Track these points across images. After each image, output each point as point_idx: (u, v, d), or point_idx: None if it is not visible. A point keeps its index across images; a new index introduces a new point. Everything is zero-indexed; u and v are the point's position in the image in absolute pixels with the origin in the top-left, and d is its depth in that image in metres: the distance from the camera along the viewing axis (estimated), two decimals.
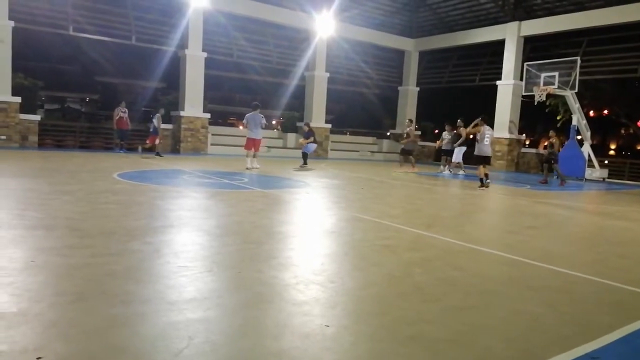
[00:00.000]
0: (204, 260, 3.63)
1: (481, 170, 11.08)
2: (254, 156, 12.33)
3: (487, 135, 11.08)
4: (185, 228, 4.83)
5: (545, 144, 14.07)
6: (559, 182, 13.69)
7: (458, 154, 15.28)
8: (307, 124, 14.60)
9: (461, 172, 15.29)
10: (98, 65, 26.57)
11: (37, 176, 8.24)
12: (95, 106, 36.04)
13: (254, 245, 4.21)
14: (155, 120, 14.40)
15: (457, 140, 15.21)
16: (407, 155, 15.64)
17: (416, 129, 23.71)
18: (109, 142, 16.89)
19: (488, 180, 11.19)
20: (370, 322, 2.63)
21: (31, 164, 10.25)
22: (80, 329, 2.28)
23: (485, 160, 11.13)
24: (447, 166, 15.85)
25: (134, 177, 8.75)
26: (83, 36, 16.36)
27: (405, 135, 15.32)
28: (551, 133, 13.86)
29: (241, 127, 15.44)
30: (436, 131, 25.79)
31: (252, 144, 12.33)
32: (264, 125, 12.67)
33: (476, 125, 11.22)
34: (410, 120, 16.45)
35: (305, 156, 13.82)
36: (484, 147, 11.06)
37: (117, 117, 15.86)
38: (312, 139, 13.77)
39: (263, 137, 13.21)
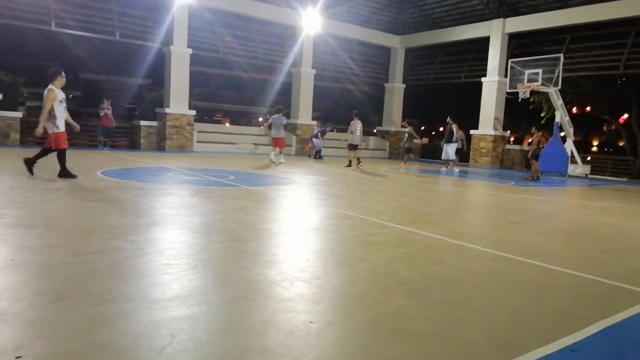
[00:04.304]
0: (189, 258, 3.60)
1: (351, 154, 14.37)
2: (280, 152, 14.11)
3: (358, 128, 14.15)
4: (169, 226, 4.79)
5: (530, 140, 14.22)
6: (530, 176, 13.85)
7: (451, 150, 15.43)
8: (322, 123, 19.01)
9: (456, 169, 15.39)
10: (81, 62, 26.18)
11: (18, 174, 8.10)
12: (79, 103, 35.51)
13: (239, 242, 4.19)
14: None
15: (450, 137, 15.38)
16: (409, 153, 17.22)
17: (402, 126, 23.97)
18: (93, 140, 16.67)
19: (360, 164, 14.03)
20: (355, 318, 2.64)
21: (12, 162, 10.06)
22: (60, 328, 2.24)
23: (354, 148, 14.25)
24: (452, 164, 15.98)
25: (118, 175, 8.65)
26: (66, 32, 16.08)
27: (406, 136, 16.80)
28: (534, 129, 14.04)
29: (262, 127, 19.88)
30: (422, 128, 25.96)
31: (276, 142, 14.11)
32: (283, 126, 14.36)
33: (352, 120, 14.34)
34: (409, 122, 17.13)
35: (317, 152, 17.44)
36: (356, 137, 14.13)
37: (102, 114, 15.67)
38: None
39: (254, 135, 15.63)
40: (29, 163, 7.54)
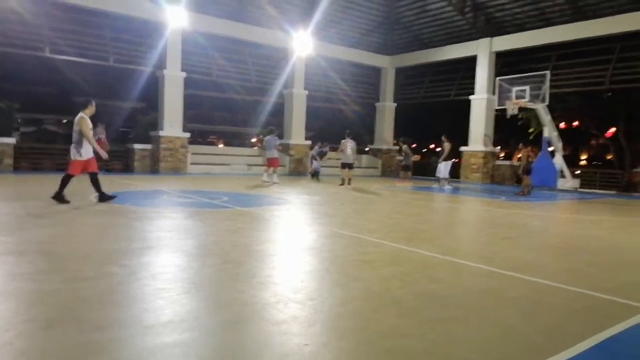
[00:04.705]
0: (182, 282, 3.60)
1: (344, 173, 14.37)
2: (273, 172, 14.18)
3: (348, 147, 14.28)
4: (163, 249, 4.78)
5: (519, 156, 14.35)
6: (521, 191, 13.88)
7: (444, 169, 15.62)
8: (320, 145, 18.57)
9: (447, 186, 15.52)
10: (75, 87, 26.28)
11: (11, 200, 8.07)
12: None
13: (233, 264, 4.19)
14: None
15: (444, 155, 15.64)
16: (407, 170, 17.62)
17: (395, 144, 24.24)
18: None
19: (349, 184, 14.16)
20: (349, 338, 2.64)
21: (5, 188, 10.03)
22: (51, 357, 2.23)
23: (348, 166, 14.34)
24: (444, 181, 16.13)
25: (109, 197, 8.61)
26: (60, 58, 16.22)
27: (403, 154, 17.62)
28: (521, 146, 14.22)
29: (256, 147, 20.74)
30: (414, 145, 26.16)
31: (270, 162, 14.31)
32: (277, 147, 14.68)
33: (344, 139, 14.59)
34: (403, 141, 17.62)
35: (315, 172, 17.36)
36: (347, 156, 14.30)
37: (96, 139, 15.68)
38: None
39: (247, 155, 16.12)
40: (100, 195, 7.95)
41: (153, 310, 2.93)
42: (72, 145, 7.70)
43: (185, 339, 2.51)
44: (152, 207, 7.97)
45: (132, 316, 2.81)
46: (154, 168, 17.03)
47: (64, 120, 36.37)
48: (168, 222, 6.50)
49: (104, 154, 8.03)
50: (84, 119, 7.65)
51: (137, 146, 17.15)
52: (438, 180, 16.01)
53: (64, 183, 7.63)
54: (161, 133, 16.84)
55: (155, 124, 17.55)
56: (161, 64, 17.01)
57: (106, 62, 16.72)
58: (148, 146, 17.27)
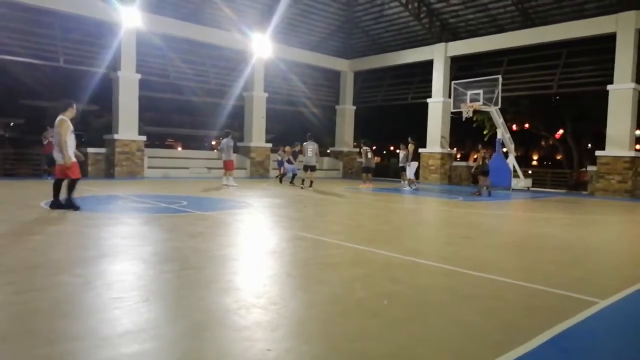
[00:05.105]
0: (140, 290, 3.48)
1: (306, 175, 14.90)
2: (231, 174, 14.44)
3: (309, 149, 14.77)
4: (119, 257, 4.61)
5: (475, 157, 14.82)
6: (486, 192, 14.28)
7: (410, 170, 16.00)
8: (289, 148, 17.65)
9: (407, 187, 15.85)
10: (23, 88, 25.07)
11: None
12: (21, 131, 33.86)
13: (194, 270, 4.09)
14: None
15: (408, 158, 16.03)
16: (367, 172, 17.06)
17: (355, 146, 24.52)
18: (36, 169, 15.87)
19: (310, 187, 14.56)
20: (313, 343, 2.63)
21: None
22: None
23: (310, 168, 14.86)
24: (404, 182, 16.46)
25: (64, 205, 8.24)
26: (6, 58, 15.40)
27: (366, 156, 16.96)
28: (480, 147, 14.70)
29: (216, 151, 20.38)
30: (374, 147, 26.56)
31: (226, 165, 14.48)
32: (231, 149, 14.77)
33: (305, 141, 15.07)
34: (364, 143, 17.37)
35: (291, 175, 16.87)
36: (309, 158, 14.80)
37: (46, 142, 15.01)
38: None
39: (206, 158, 16.72)
40: (54, 201, 7.56)
41: (109, 320, 2.82)
42: (57, 149, 7.41)
43: (144, 349, 2.42)
44: (107, 213, 7.69)
45: (87, 328, 2.69)
46: (108, 172, 16.45)
47: (11, 123, 34.61)
48: (124, 229, 6.28)
49: (67, 162, 7.62)
50: (63, 121, 7.39)
51: (90, 150, 16.52)
52: (412, 180, 16.35)
53: (71, 188, 7.51)
54: (116, 136, 16.30)
55: (110, 127, 16.98)
56: (115, 66, 16.47)
57: (56, 63, 16.03)
58: (102, 150, 16.69)
